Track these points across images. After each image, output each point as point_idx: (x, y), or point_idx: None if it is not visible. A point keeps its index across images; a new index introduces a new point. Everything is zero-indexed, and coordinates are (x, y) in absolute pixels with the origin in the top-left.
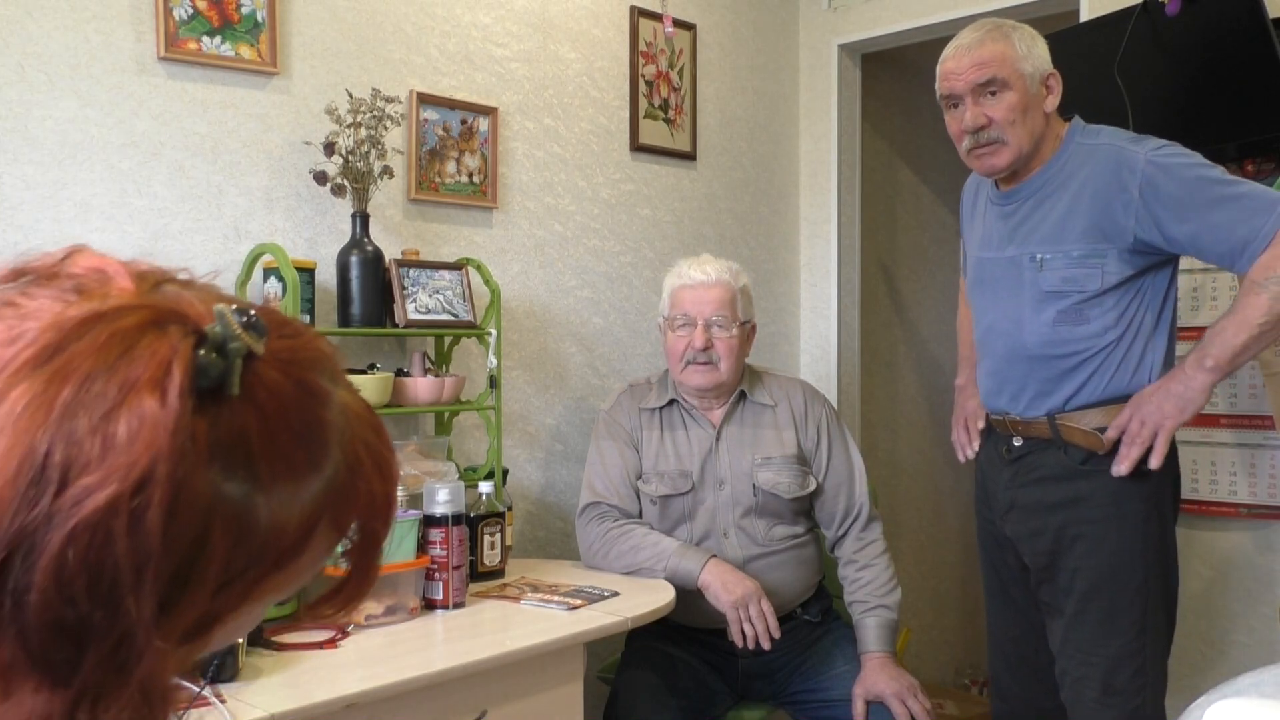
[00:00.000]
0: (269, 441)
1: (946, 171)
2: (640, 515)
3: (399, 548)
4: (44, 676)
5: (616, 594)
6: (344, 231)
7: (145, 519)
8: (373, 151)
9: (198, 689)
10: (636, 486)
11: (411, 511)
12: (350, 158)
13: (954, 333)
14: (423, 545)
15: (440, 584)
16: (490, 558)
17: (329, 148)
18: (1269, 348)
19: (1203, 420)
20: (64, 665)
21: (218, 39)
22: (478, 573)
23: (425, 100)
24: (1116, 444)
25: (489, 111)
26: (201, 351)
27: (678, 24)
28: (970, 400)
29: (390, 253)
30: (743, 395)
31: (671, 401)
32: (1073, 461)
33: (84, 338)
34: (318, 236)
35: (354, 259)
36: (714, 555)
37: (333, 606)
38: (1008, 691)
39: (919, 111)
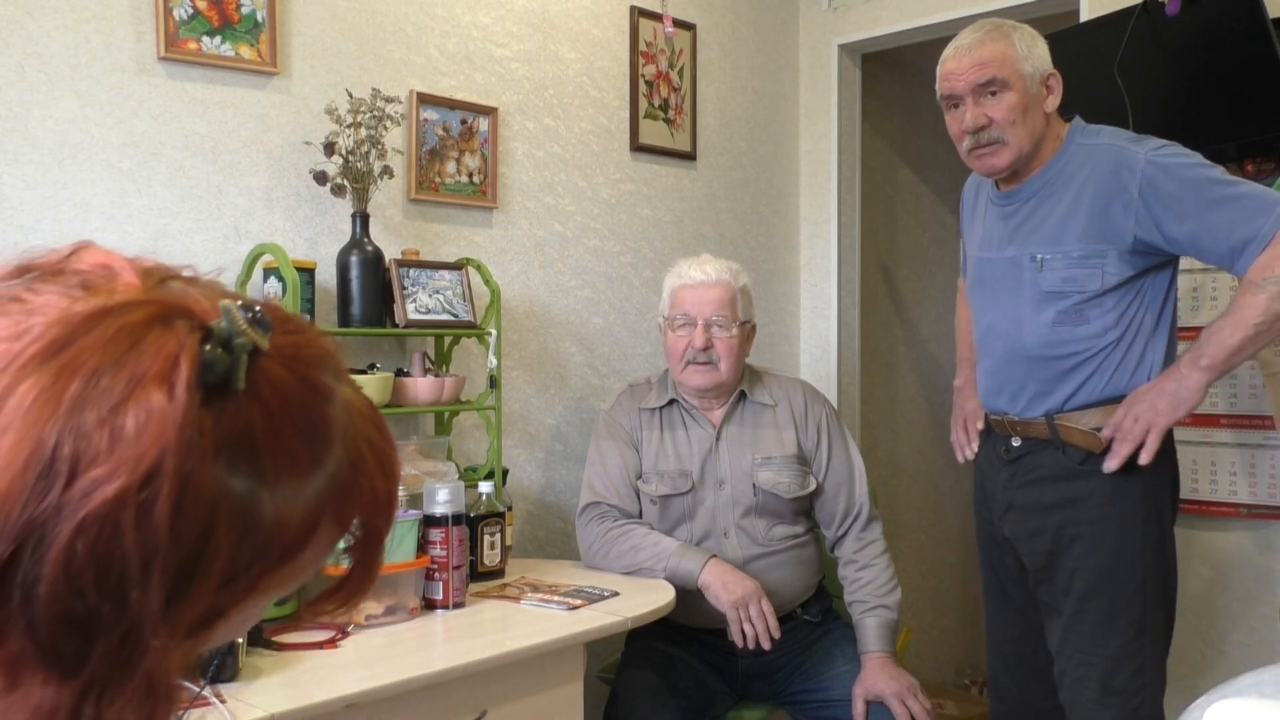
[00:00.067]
0: (273, 437)
1: (946, 171)
2: (640, 515)
3: (399, 548)
4: (52, 668)
5: (616, 594)
6: (344, 231)
7: (153, 512)
8: (373, 151)
9: (198, 689)
10: (636, 486)
11: (411, 511)
12: (350, 158)
13: (954, 332)
14: (423, 545)
15: (440, 584)
16: (490, 558)
17: (329, 148)
18: (1269, 347)
19: (1203, 420)
20: (72, 657)
21: (218, 39)
22: (478, 573)
23: (425, 100)
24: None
25: (489, 111)
26: (207, 347)
27: (678, 24)
28: (969, 401)
29: (390, 253)
30: (743, 395)
31: (671, 401)
32: (1071, 462)
33: (91, 332)
34: (318, 236)
35: (354, 259)
36: (714, 555)
37: (335, 603)
38: (1006, 692)
39: (919, 111)
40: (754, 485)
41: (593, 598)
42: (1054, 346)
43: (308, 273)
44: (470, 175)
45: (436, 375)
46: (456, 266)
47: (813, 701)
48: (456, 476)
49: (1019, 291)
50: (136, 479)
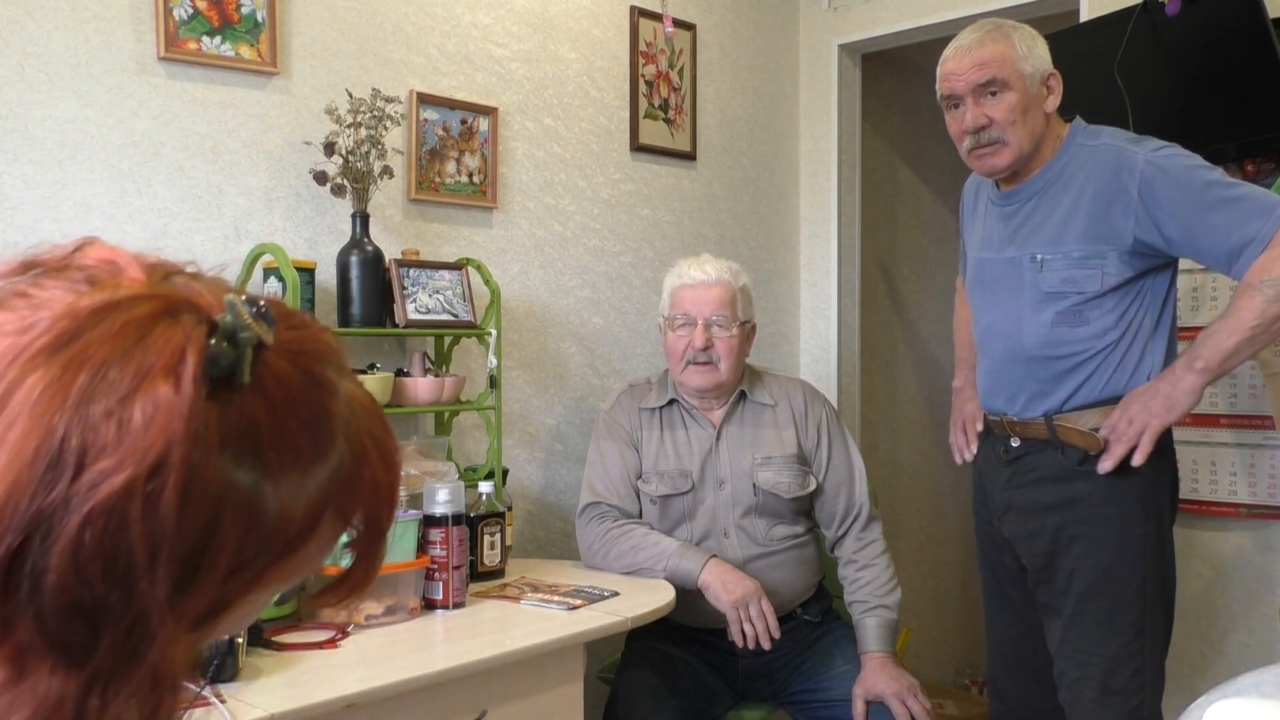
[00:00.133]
0: (278, 430)
1: (946, 171)
2: (640, 515)
3: (399, 548)
4: (59, 658)
5: (616, 594)
6: (344, 231)
7: (160, 503)
8: (373, 151)
9: (198, 689)
10: (636, 486)
11: (411, 511)
12: (350, 158)
13: (953, 333)
14: (423, 545)
15: (440, 584)
16: (490, 558)
17: (329, 148)
18: (1269, 347)
19: (1203, 420)
20: (79, 647)
21: (218, 39)
22: (478, 573)
23: (425, 100)
24: None
25: (489, 111)
26: (213, 341)
27: (678, 24)
28: (969, 403)
29: (390, 253)
30: (743, 395)
31: (671, 401)
32: (1070, 462)
33: (98, 326)
34: (318, 236)
35: (354, 259)
36: (714, 555)
37: (338, 595)
38: (1005, 692)
39: (919, 111)
40: (754, 485)
41: (593, 598)
42: (1053, 347)
43: (308, 273)
44: (470, 175)
45: (436, 375)
46: (456, 266)
47: (813, 701)
48: (456, 476)
49: (1019, 292)
50: (144, 470)
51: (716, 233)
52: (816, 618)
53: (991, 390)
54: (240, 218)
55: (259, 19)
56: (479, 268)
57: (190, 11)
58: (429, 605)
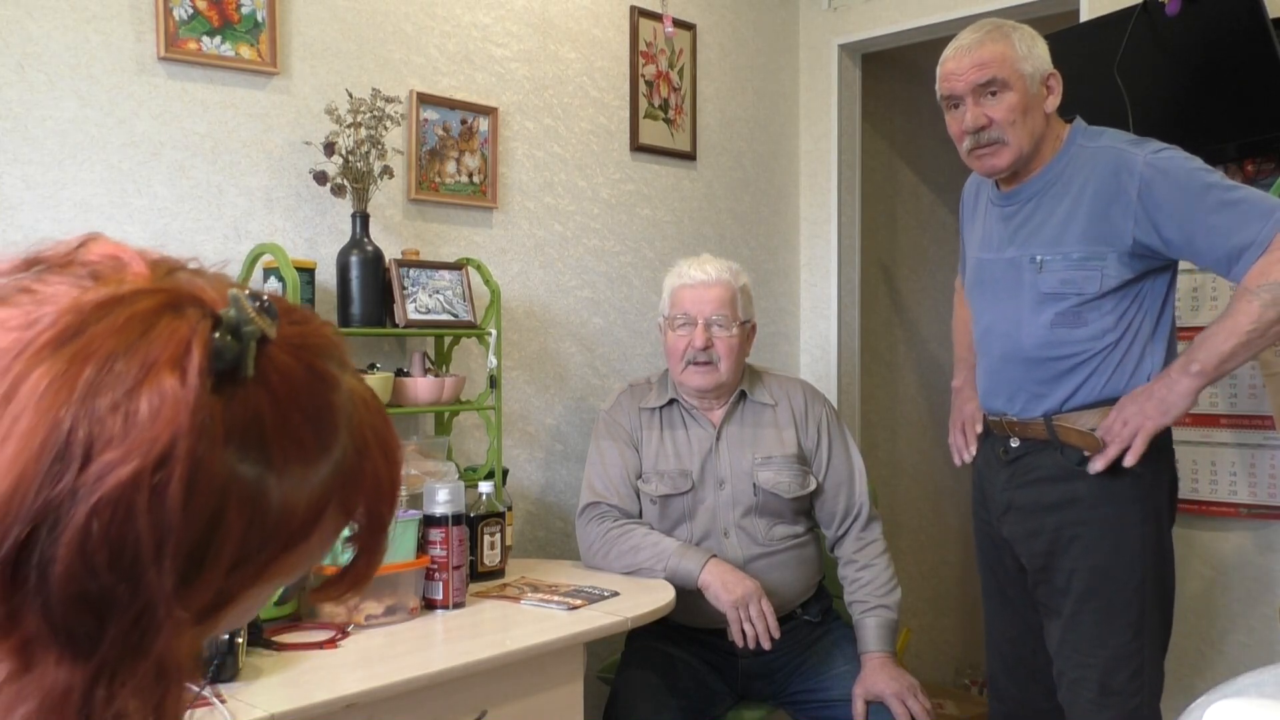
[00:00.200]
0: (281, 424)
1: (946, 171)
2: (640, 515)
3: (399, 548)
4: (66, 649)
5: (616, 594)
6: (344, 231)
7: (166, 494)
8: (373, 151)
9: (198, 689)
10: (636, 486)
11: (411, 511)
12: (350, 158)
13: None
14: (423, 545)
15: (440, 584)
16: (490, 558)
17: (329, 148)
18: (1269, 348)
19: (1203, 420)
20: (86, 638)
21: (218, 39)
22: (478, 573)
23: (425, 100)
24: None
25: (489, 111)
26: (217, 334)
27: (678, 24)
28: (968, 403)
29: (390, 253)
30: (743, 395)
31: (671, 401)
32: (1069, 463)
33: (103, 320)
34: (318, 236)
35: (354, 259)
36: (714, 555)
37: (339, 589)
38: (1005, 692)
39: (919, 111)
40: (754, 485)
41: (593, 598)
42: (1052, 348)
43: (308, 273)
44: (470, 175)
45: (436, 375)
46: (456, 266)
47: (813, 701)
48: (456, 476)
49: (1018, 293)
50: (150, 462)
51: (716, 233)
52: (816, 618)
53: (991, 391)
54: (240, 218)
55: (259, 19)
56: (479, 268)
57: (190, 11)
58: (429, 605)
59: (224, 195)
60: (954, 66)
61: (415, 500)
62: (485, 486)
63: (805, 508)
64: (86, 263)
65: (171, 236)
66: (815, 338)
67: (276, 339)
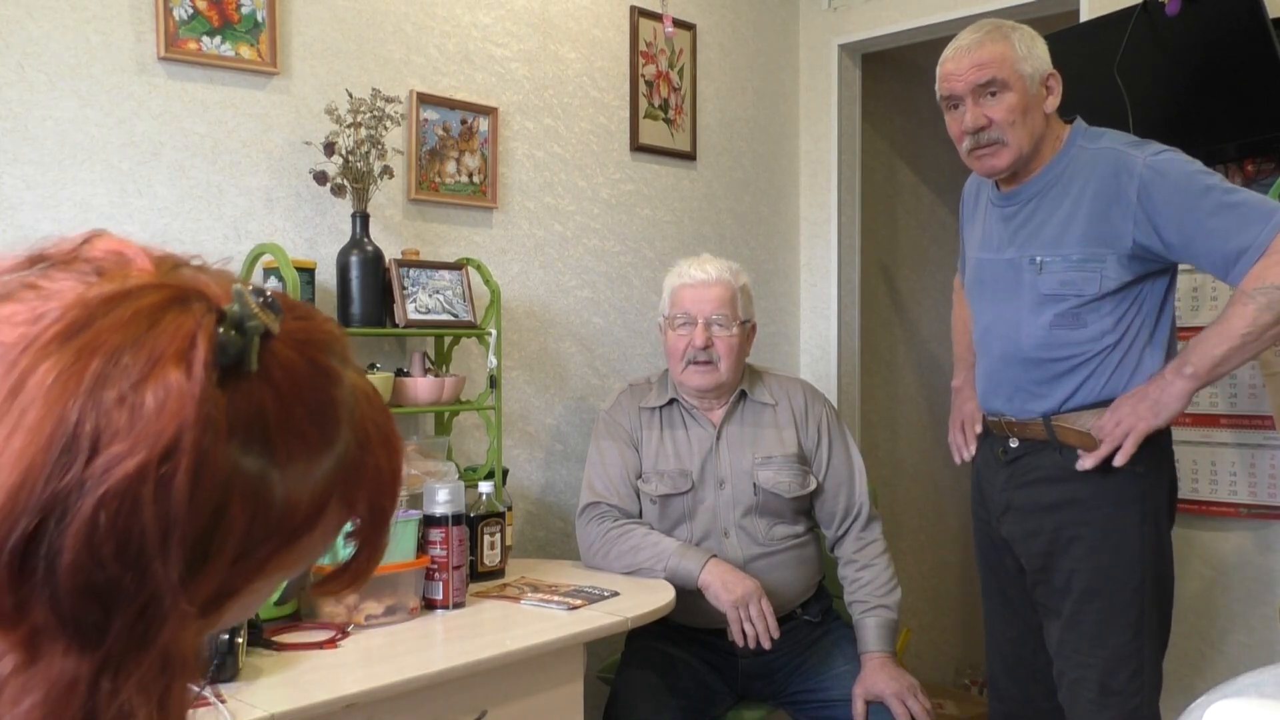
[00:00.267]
0: (284, 418)
1: (946, 171)
2: (640, 515)
3: (399, 547)
4: (73, 640)
5: (616, 594)
6: (344, 231)
7: (172, 486)
8: (373, 151)
9: (198, 688)
10: (636, 486)
11: (411, 511)
12: (350, 158)
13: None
14: (423, 545)
15: (440, 584)
16: (490, 558)
17: (329, 148)
18: (1269, 348)
19: (1203, 420)
20: (93, 629)
21: (218, 39)
22: (478, 573)
23: (425, 100)
24: None
25: (489, 111)
26: (221, 329)
27: (678, 24)
28: (968, 403)
29: (390, 253)
30: (743, 394)
31: (671, 401)
32: (1068, 463)
33: (109, 314)
34: (318, 236)
35: (354, 259)
36: (714, 555)
37: (341, 584)
38: (1005, 692)
39: (919, 111)
40: (754, 485)
41: (593, 598)
42: (1051, 349)
43: (308, 273)
44: (470, 175)
45: (436, 375)
46: (456, 266)
47: (813, 701)
48: (456, 476)
49: (1017, 293)
50: (156, 454)
51: (716, 233)
52: (816, 618)
53: (990, 391)
54: (240, 218)
55: (259, 19)
56: (479, 268)
57: (190, 11)
58: (429, 605)
59: (224, 195)
60: (954, 67)
61: (415, 500)
62: (485, 486)
63: (805, 507)
64: (91, 259)
65: (171, 236)
66: (815, 338)
67: (280, 334)
